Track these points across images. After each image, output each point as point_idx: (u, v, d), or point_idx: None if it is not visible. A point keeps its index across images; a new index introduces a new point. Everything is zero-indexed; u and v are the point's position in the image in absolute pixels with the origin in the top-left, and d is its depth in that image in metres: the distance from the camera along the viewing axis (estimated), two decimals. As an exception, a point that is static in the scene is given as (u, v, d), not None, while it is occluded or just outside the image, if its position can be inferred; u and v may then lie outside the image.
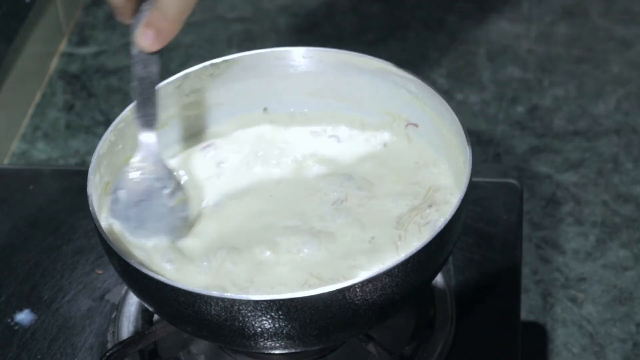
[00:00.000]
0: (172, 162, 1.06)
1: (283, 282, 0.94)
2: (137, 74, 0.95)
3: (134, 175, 0.98)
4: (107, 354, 0.99)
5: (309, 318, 0.87)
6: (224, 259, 0.96)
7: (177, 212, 0.99)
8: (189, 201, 1.01)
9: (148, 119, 0.97)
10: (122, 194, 0.98)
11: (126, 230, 0.98)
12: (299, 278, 0.94)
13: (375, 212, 1.00)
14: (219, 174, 1.05)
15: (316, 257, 0.96)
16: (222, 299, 0.86)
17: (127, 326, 1.06)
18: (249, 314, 0.87)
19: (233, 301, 0.86)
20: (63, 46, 1.71)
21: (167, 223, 0.99)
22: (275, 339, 0.89)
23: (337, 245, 0.97)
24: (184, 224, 1.00)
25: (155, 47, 0.93)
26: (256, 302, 0.86)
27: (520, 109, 1.58)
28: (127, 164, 0.99)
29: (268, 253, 0.96)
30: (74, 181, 1.22)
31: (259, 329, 0.88)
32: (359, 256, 0.96)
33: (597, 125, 1.55)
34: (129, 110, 1.01)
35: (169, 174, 0.99)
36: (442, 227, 0.90)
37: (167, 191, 0.99)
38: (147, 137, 0.98)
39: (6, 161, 1.52)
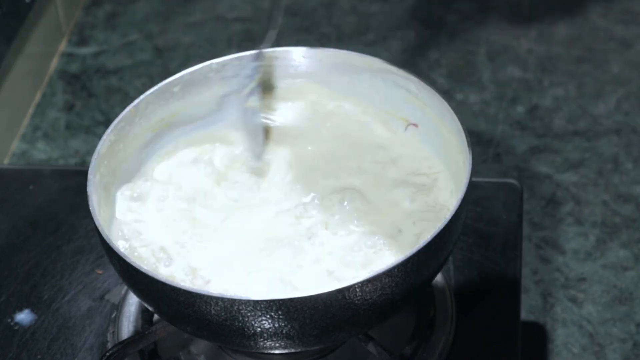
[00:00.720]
0: (171, 161, 1.06)
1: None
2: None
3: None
4: (107, 354, 0.99)
5: (308, 318, 0.87)
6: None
7: (249, 114, 1.03)
8: (264, 111, 1.05)
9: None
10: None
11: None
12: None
13: (372, 212, 1.00)
14: (220, 174, 1.05)
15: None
16: (222, 299, 0.86)
17: (127, 326, 1.06)
18: (249, 314, 0.87)
19: (233, 301, 0.86)
20: (63, 46, 1.71)
21: (243, 122, 1.03)
22: (275, 339, 0.89)
23: (333, 244, 0.97)
24: (256, 133, 1.04)
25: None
26: (256, 302, 0.86)
27: (520, 109, 1.59)
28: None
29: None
30: (74, 181, 1.22)
31: (259, 329, 0.88)
32: (354, 256, 0.96)
33: (597, 125, 1.56)
34: (129, 109, 1.01)
35: (252, 76, 1.03)
36: (442, 227, 0.90)
37: (245, 90, 1.03)
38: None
39: (6, 161, 1.52)
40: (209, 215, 1.01)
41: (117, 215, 1.00)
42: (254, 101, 1.04)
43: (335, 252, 0.96)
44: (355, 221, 0.99)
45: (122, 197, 1.01)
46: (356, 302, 0.87)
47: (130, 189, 1.02)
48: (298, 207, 1.01)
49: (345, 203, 1.00)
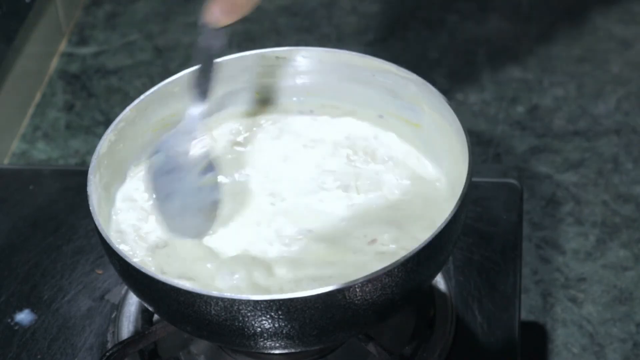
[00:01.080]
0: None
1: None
2: (199, 44, 0.94)
3: (172, 143, 0.98)
4: (107, 354, 0.99)
5: (308, 318, 0.87)
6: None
7: (205, 192, 0.98)
8: (221, 187, 1.00)
9: (199, 91, 0.97)
10: (158, 157, 0.98)
11: (156, 201, 0.98)
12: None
13: (372, 212, 1.00)
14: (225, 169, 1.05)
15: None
16: (222, 299, 0.86)
17: (127, 326, 1.06)
18: (249, 314, 0.87)
19: (233, 301, 0.86)
20: (63, 46, 1.71)
21: (195, 202, 0.98)
22: (275, 339, 0.89)
23: (335, 241, 0.97)
24: (211, 210, 0.99)
25: (222, 23, 0.92)
26: (256, 302, 0.86)
27: (520, 109, 1.58)
28: (168, 129, 0.99)
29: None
30: (74, 181, 1.22)
31: (259, 329, 0.88)
32: (354, 254, 0.96)
33: (597, 125, 1.56)
34: (129, 109, 1.01)
35: (205, 153, 0.98)
36: (442, 227, 0.90)
37: (198, 168, 0.98)
38: (193, 110, 0.98)
39: (6, 161, 1.52)
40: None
41: (117, 210, 1.00)
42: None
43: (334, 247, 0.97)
44: (351, 218, 0.99)
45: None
46: (356, 302, 0.87)
47: (131, 185, 1.02)
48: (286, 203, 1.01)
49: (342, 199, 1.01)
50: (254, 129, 1.08)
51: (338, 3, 1.78)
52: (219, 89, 1.07)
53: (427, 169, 1.03)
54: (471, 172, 0.94)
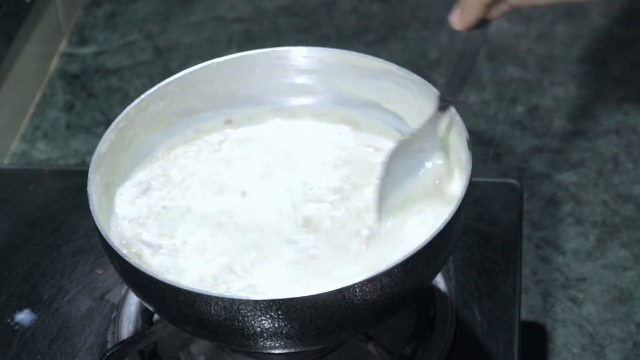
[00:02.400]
0: (170, 156, 1.06)
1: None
2: (458, 47, 0.97)
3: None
4: (107, 354, 0.99)
5: (308, 318, 0.87)
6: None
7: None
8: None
9: (444, 100, 0.98)
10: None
11: None
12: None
13: (370, 212, 1.00)
14: (224, 169, 1.05)
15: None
16: (222, 299, 0.86)
17: (127, 326, 1.06)
18: (249, 314, 0.87)
19: (232, 301, 0.86)
20: (63, 46, 1.71)
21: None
22: (274, 339, 0.89)
23: (333, 238, 0.97)
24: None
25: (459, 26, 0.95)
26: (256, 302, 0.86)
27: (520, 109, 1.59)
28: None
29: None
30: (74, 181, 1.22)
31: (259, 329, 0.88)
32: (352, 255, 0.96)
33: (597, 125, 1.56)
34: (129, 109, 1.01)
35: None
36: (442, 227, 0.90)
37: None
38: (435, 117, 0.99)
39: (6, 161, 1.52)
40: (204, 207, 1.02)
41: (117, 210, 1.00)
42: None
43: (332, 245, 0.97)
44: (352, 215, 0.99)
45: (122, 195, 1.02)
46: (356, 302, 0.87)
47: (131, 185, 1.02)
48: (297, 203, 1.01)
49: (346, 204, 1.00)
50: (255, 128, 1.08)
51: (338, 3, 1.78)
52: (219, 90, 1.07)
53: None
54: (471, 172, 0.94)
